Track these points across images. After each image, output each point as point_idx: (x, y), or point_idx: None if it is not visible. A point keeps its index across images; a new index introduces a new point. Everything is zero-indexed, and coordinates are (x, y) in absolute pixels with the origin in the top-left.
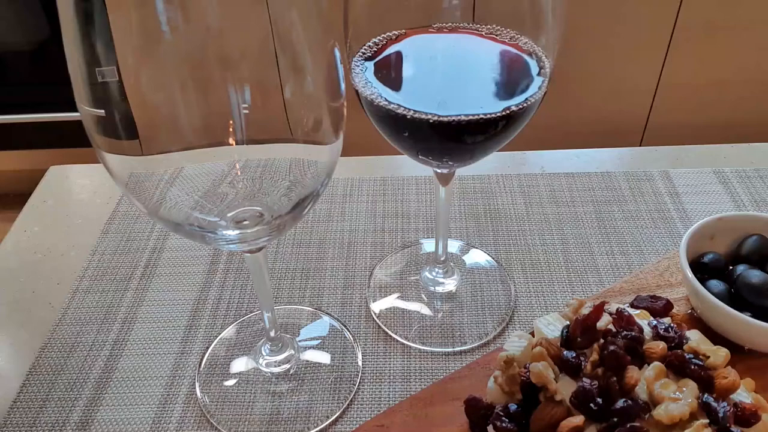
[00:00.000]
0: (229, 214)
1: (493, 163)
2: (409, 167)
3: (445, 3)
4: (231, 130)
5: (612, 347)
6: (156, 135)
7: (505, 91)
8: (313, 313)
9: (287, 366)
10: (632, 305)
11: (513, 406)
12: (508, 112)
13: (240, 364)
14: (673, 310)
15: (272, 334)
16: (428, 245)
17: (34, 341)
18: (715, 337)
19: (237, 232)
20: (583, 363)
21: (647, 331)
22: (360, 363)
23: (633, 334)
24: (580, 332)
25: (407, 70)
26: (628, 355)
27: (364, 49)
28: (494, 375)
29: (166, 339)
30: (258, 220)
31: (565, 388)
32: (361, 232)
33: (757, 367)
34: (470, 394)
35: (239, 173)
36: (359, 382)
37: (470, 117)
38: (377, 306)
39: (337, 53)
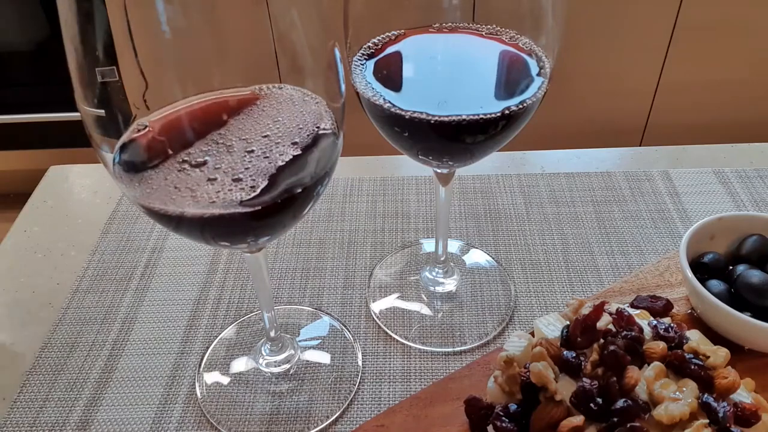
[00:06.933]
0: None
1: (493, 163)
2: (409, 167)
3: (445, 3)
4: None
5: (612, 347)
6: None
7: (505, 91)
8: (313, 313)
9: (287, 366)
10: (632, 305)
11: (513, 406)
12: (508, 112)
13: (240, 364)
14: (673, 310)
15: (272, 334)
16: (428, 245)
17: (34, 341)
18: (715, 337)
19: None
20: (583, 363)
21: (647, 331)
22: (360, 363)
23: (633, 334)
24: (580, 332)
25: (407, 70)
26: (628, 355)
27: (364, 49)
28: (494, 375)
29: (166, 339)
30: None
31: (565, 388)
32: (361, 232)
33: (757, 367)
34: (470, 394)
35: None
36: (359, 382)
37: (470, 117)
38: (377, 306)
39: (337, 53)
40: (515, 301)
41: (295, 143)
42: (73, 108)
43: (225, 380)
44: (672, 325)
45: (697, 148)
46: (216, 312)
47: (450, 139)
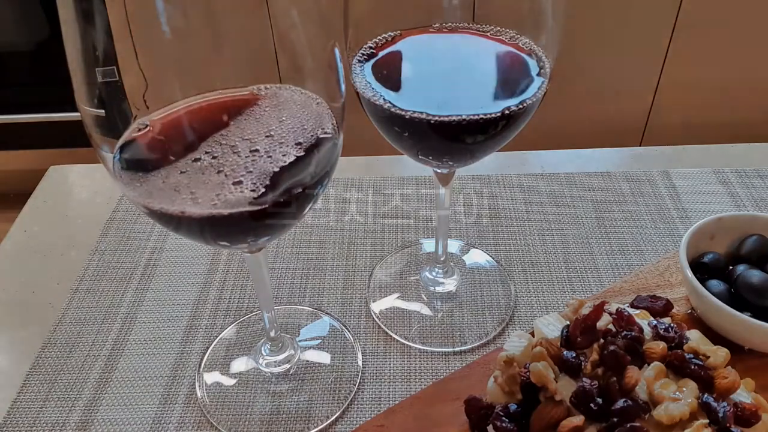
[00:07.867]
0: None
1: (493, 163)
2: (409, 167)
3: (445, 3)
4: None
5: (612, 347)
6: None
7: (505, 91)
8: (313, 313)
9: (287, 366)
10: (632, 305)
11: (513, 406)
12: (507, 112)
13: (240, 364)
14: (673, 310)
15: (272, 334)
16: (428, 245)
17: (34, 341)
18: (715, 337)
19: None
20: (583, 363)
21: (647, 331)
22: (360, 363)
23: (633, 334)
24: (580, 332)
25: (407, 70)
26: (628, 355)
27: (364, 49)
28: (494, 375)
29: (166, 339)
30: None
31: (565, 388)
32: (361, 232)
33: (757, 367)
34: (470, 394)
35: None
36: (359, 382)
37: (470, 117)
38: (377, 306)
39: (337, 53)
40: (515, 301)
41: (298, 143)
42: (73, 108)
43: (225, 380)
44: (672, 325)
45: (697, 148)
46: (216, 312)
47: (450, 139)
